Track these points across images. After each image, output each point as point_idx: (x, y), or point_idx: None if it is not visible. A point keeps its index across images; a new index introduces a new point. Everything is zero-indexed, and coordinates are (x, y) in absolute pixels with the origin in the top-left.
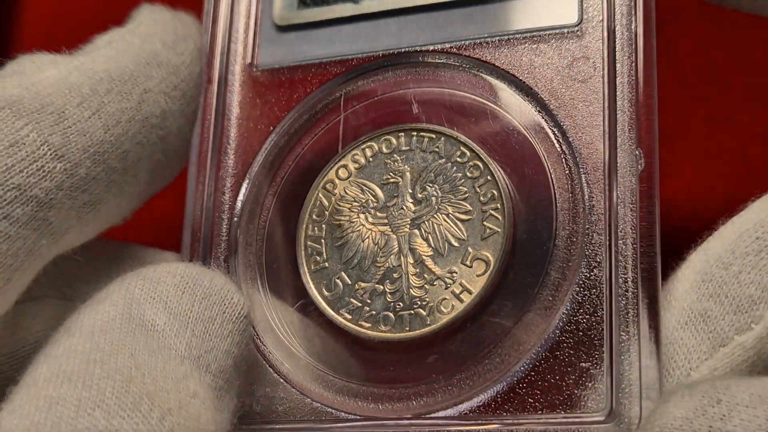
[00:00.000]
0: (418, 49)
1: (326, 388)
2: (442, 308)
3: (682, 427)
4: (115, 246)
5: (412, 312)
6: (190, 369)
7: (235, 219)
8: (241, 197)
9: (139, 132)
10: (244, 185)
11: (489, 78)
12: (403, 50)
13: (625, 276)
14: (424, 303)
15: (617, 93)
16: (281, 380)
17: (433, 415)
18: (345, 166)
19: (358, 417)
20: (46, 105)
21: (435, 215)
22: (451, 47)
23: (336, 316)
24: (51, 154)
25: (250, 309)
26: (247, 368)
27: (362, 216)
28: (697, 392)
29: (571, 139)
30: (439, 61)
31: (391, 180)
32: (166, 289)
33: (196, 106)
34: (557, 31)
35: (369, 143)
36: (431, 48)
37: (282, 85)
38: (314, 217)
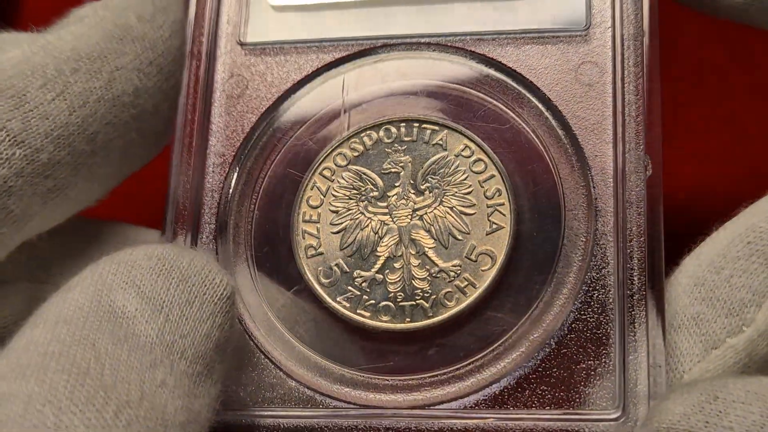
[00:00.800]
0: (422, 40)
1: (321, 375)
2: (446, 301)
3: (680, 423)
4: (92, 225)
5: (414, 303)
6: (161, 356)
7: (224, 199)
8: (230, 178)
9: (109, 112)
10: (234, 166)
11: (495, 74)
12: (407, 40)
13: (632, 278)
14: (427, 295)
15: (625, 99)
16: (272, 366)
17: (434, 407)
18: (343, 153)
19: (355, 406)
20: (5, 89)
21: (438, 207)
22: (456, 41)
23: (333, 303)
24: (9, 140)
25: (235, 289)
26: (232, 351)
27: (361, 204)
28: (695, 390)
29: (579, 141)
30: (444, 54)
31: (392, 170)
32: (141, 273)
33: (176, 82)
34: (565, 33)
35: (369, 131)
36: (435, 40)
37: (276, 64)
38: (310, 202)
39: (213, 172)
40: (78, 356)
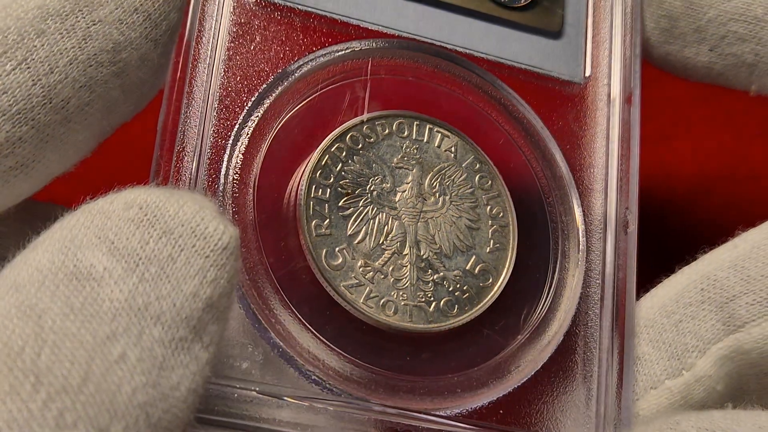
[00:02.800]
0: (448, 46)
1: (311, 357)
2: (446, 309)
3: None
4: (58, 209)
5: (417, 305)
6: (126, 324)
7: (227, 150)
8: (232, 135)
9: (82, 75)
10: (238, 122)
11: (502, 95)
12: (435, 42)
13: (615, 312)
14: (430, 299)
15: (617, 151)
16: (264, 341)
17: (415, 411)
18: (355, 137)
19: (344, 394)
20: None
21: (444, 215)
22: (470, 54)
23: (335, 289)
24: None
25: (235, 239)
26: (229, 310)
27: (372, 193)
28: (650, 428)
29: (573, 181)
30: (467, 66)
31: (404, 166)
32: (117, 224)
33: (167, 27)
34: (564, 80)
35: (382, 120)
36: (458, 49)
37: (290, 28)
38: (320, 178)
39: (211, 126)
40: (15, 333)
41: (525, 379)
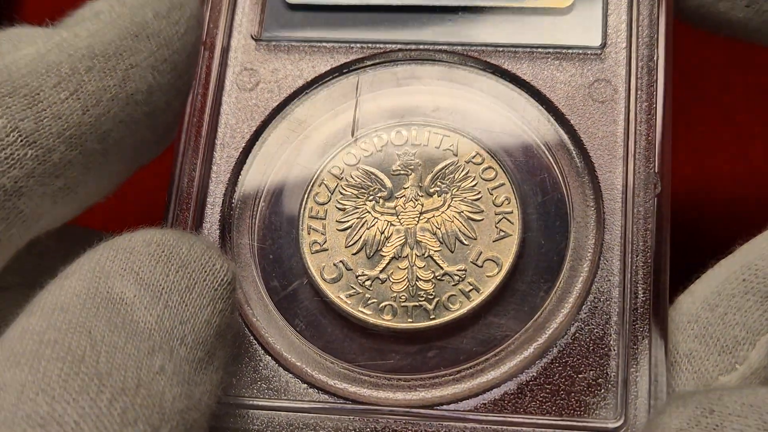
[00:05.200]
0: (439, 48)
1: (318, 369)
2: (450, 304)
3: None
4: (94, 234)
5: (417, 304)
6: (160, 342)
7: (230, 190)
8: (237, 170)
9: (122, 110)
10: (241, 159)
11: (508, 85)
12: (423, 47)
13: (637, 291)
14: (430, 297)
15: (637, 118)
16: (269, 357)
17: (431, 408)
18: (352, 153)
19: (351, 402)
20: (18, 88)
21: (446, 211)
22: (471, 50)
23: (335, 299)
24: (21, 141)
25: (235, 275)
26: (233, 338)
27: (369, 203)
28: (691, 403)
29: (589, 156)
30: (460, 63)
31: (402, 172)
32: (139, 259)
33: (189, 78)
34: (580, 51)
35: (378, 133)
36: (451, 49)
37: (290, 61)
38: (317, 199)
39: (219, 163)
40: (73, 344)
41: (544, 363)
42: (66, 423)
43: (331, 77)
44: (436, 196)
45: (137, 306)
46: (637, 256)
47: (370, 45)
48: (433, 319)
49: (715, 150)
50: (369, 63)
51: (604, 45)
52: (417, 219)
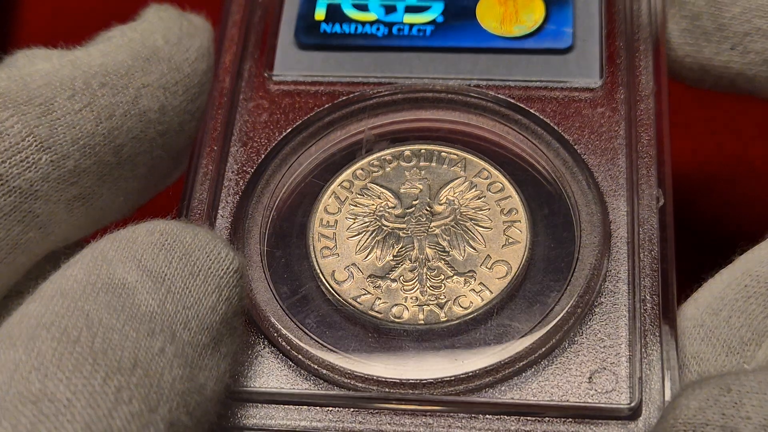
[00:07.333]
0: (447, 84)
1: (330, 369)
2: (460, 304)
3: (696, 418)
4: None
5: (429, 305)
6: (161, 326)
7: (242, 202)
8: (250, 184)
9: (135, 126)
10: (254, 176)
11: (515, 116)
12: (430, 86)
13: (644, 290)
14: (441, 298)
15: (639, 141)
16: (283, 357)
17: (441, 404)
18: (363, 169)
19: (364, 400)
20: (33, 97)
21: (455, 225)
22: (477, 85)
23: (346, 303)
24: (36, 145)
25: (243, 265)
26: (242, 327)
27: (379, 216)
28: (708, 384)
29: (593, 171)
30: (467, 96)
31: (411, 189)
32: (142, 247)
33: (201, 103)
34: (580, 87)
35: (387, 154)
36: (458, 84)
37: (299, 100)
38: (328, 209)
39: (230, 180)
40: (70, 325)
41: (558, 361)
42: (58, 400)
43: (339, 114)
44: (444, 208)
45: (139, 290)
46: (644, 256)
47: (379, 80)
48: (444, 319)
49: (715, 150)
50: (377, 99)
51: (603, 82)
52: (426, 232)
